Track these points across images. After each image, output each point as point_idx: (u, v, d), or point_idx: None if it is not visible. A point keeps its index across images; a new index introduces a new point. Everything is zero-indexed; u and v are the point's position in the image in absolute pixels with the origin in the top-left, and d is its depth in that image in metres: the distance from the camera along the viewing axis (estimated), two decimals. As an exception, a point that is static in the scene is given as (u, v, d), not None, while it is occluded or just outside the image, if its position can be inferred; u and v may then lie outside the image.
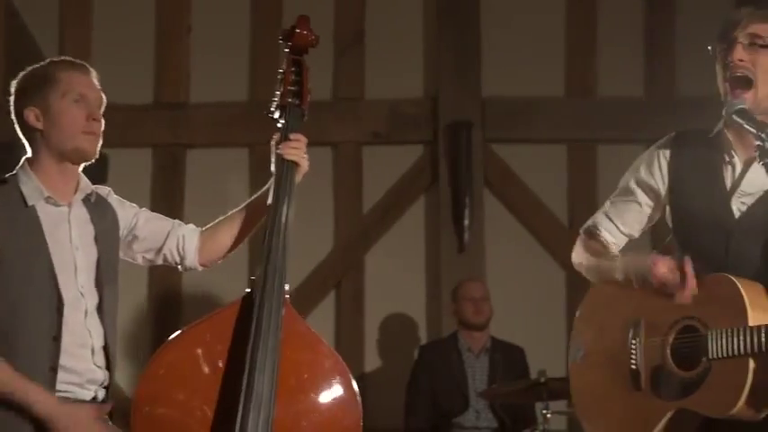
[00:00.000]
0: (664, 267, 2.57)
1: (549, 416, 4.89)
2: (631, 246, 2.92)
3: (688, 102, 5.61)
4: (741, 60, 2.55)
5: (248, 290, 2.75)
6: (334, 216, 6.21)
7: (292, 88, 2.97)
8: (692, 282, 2.54)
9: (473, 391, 5.40)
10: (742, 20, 2.60)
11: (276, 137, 2.95)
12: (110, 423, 2.75)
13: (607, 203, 2.86)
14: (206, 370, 2.66)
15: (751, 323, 2.45)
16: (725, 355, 2.47)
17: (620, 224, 2.83)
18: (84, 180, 2.84)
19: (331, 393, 2.72)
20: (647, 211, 2.80)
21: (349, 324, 6.12)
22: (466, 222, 6.01)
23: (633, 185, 2.80)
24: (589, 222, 2.89)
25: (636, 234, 2.85)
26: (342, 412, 2.72)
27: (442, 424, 5.43)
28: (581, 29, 6.23)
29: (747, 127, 2.50)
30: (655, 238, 3.03)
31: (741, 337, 2.44)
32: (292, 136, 2.91)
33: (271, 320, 2.64)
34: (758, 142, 2.45)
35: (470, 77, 6.15)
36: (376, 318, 6.13)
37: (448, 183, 6.05)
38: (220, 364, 2.66)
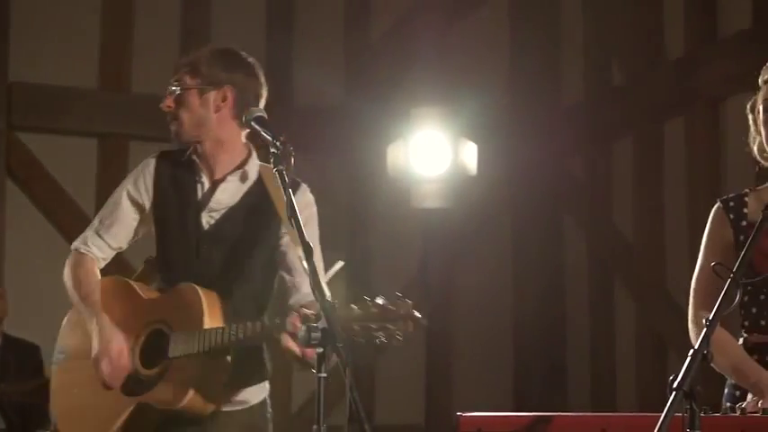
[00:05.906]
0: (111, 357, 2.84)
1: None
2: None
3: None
4: (168, 107, 2.93)
5: None
6: None
7: None
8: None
9: (-20, 391, 5.13)
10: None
11: None
12: None
13: (96, 219, 3.00)
14: None
15: (206, 326, 2.77)
16: (181, 354, 2.79)
17: (110, 239, 2.99)
18: None
19: None
20: (134, 224, 2.99)
21: None
22: (-13, 213, 5.71)
23: (121, 200, 2.98)
24: (80, 240, 3.00)
25: (125, 246, 3.02)
26: None
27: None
28: (117, 24, 6.18)
29: (264, 134, 2.62)
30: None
31: (196, 339, 2.76)
32: None
33: None
34: (273, 150, 2.56)
35: (-4, 59, 5.86)
36: None
37: (-33, 170, 5.72)
38: None
